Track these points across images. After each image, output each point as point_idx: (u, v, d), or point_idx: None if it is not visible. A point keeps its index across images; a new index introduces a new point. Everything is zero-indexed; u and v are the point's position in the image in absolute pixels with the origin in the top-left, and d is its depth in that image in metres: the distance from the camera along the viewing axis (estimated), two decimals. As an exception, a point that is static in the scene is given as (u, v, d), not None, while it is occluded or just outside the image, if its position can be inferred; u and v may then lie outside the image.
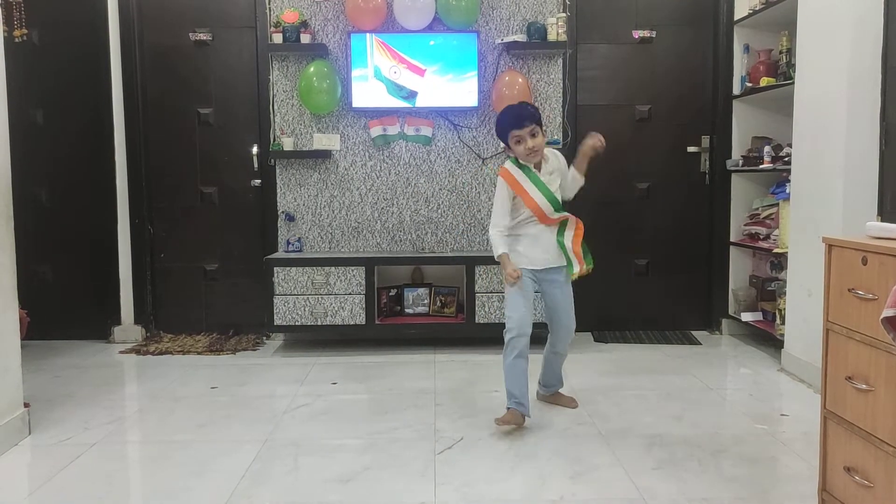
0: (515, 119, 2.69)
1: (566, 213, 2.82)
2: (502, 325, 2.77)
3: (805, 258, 3.30)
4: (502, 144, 2.96)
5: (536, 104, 4.09)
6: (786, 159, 3.62)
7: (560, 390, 3.05)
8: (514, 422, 2.70)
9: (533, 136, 2.68)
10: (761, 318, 3.96)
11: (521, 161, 2.74)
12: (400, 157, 4.17)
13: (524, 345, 2.70)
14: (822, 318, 1.98)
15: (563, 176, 2.83)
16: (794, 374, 3.41)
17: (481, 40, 4.05)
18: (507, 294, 2.77)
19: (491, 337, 3.53)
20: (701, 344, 4.09)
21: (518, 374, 2.70)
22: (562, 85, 4.14)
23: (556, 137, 4.13)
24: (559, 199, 2.80)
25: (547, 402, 3.04)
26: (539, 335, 2.97)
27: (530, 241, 2.79)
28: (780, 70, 3.81)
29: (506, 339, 2.72)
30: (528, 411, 2.73)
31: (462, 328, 3.94)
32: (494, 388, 3.16)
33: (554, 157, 2.83)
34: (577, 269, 2.81)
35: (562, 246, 2.80)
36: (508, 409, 2.72)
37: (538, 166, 2.76)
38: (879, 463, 1.76)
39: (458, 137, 4.15)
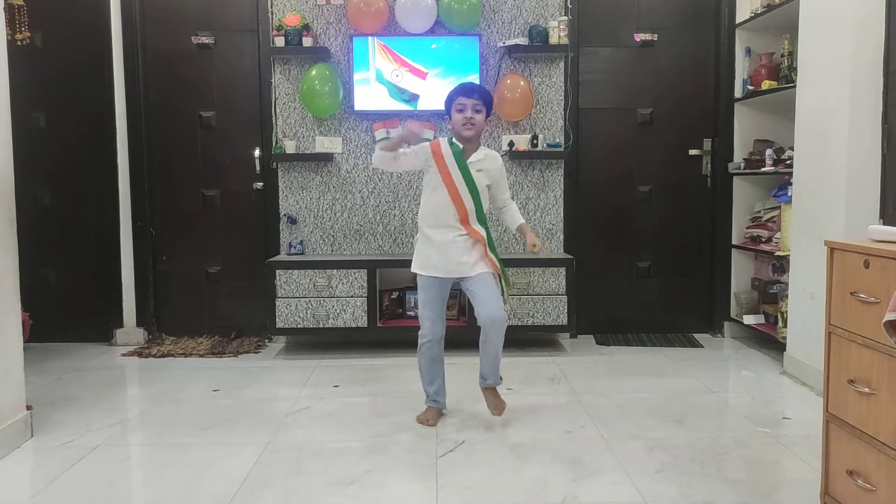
0: (466, 89, 2.76)
1: (482, 233, 2.74)
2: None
3: (807, 261, 3.30)
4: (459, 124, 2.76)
5: (538, 107, 4.12)
6: (787, 162, 3.62)
7: (496, 388, 2.84)
8: (433, 419, 2.85)
9: (476, 111, 2.71)
10: (763, 321, 3.96)
11: (455, 137, 2.75)
12: (402, 159, 4.17)
13: (438, 349, 2.83)
14: (824, 322, 1.98)
15: (492, 180, 2.78)
16: (796, 377, 3.40)
17: (483, 43, 4.05)
18: (419, 295, 2.83)
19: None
20: (703, 347, 4.08)
21: (433, 373, 2.85)
22: (563, 88, 4.14)
23: (557, 140, 4.13)
24: (483, 203, 2.75)
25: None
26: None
27: (442, 248, 2.72)
28: (782, 73, 3.81)
29: (419, 343, 2.83)
30: (444, 406, 2.92)
31: (463, 331, 3.92)
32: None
33: (489, 159, 2.78)
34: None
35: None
36: (427, 406, 2.88)
37: (467, 155, 2.74)
38: (882, 466, 1.76)
39: (460, 140, 4.15)
